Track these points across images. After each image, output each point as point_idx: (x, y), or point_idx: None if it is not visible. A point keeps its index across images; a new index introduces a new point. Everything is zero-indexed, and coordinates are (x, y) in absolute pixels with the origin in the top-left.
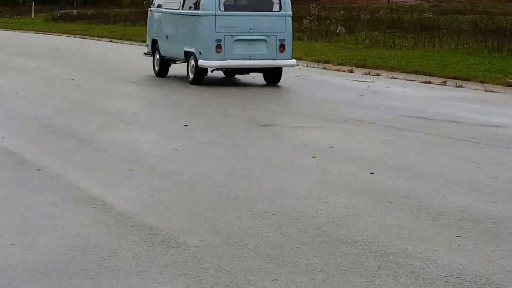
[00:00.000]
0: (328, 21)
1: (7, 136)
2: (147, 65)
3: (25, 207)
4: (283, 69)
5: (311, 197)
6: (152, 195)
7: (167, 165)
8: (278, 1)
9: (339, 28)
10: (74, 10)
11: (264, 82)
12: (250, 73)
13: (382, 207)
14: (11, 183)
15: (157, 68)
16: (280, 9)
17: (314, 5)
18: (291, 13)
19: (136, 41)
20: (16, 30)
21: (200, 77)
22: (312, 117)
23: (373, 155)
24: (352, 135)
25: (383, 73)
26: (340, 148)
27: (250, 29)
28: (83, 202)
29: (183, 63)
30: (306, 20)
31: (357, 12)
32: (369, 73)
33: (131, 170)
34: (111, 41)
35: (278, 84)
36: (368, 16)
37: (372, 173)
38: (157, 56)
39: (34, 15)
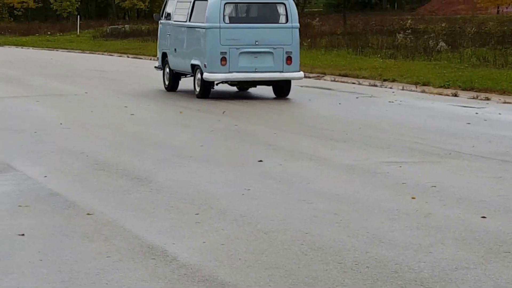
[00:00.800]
0: (426, 36)
1: (50, 174)
2: (218, 91)
3: (72, 259)
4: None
5: (412, 246)
6: (222, 244)
7: (239, 209)
8: (285, 13)
9: (440, 43)
10: (126, 26)
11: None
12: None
13: (496, 259)
14: (56, 231)
15: (167, 82)
16: (287, 21)
17: (409, 16)
18: (298, 24)
19: None
20: (59, 50)
21: (206, 91)
22: (410, 150)
23: (484, 195)
24: (459, 171)
25: (494, 97)
26: (444, 188)
27: (256, 41)
28: (141, 252)
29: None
30: (400, 35)
31: (461, 24)
32: (477, 97)
33: (196, 214)
34: None
35: (367, 110)
36: (474, 29)
37: (484, 217)
38: (167, 70)
39: (79, 32)
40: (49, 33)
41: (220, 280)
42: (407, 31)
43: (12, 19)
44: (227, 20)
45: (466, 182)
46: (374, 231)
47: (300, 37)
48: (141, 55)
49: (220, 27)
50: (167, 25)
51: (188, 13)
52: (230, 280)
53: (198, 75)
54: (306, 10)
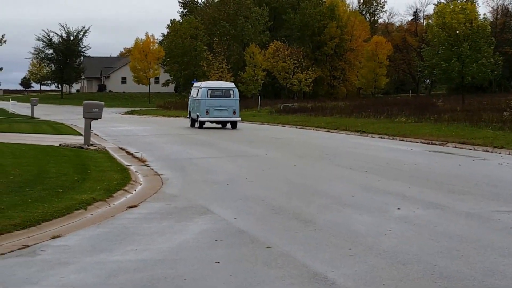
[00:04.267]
0: None
1: (239, 216)
2: (365, 153)
3: (256, 281)
4: None
5: None
6: (370, 273)
7: (383, 245)
8: (233, 93)
9: None
10: (295, 104)
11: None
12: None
13: None
14: (243, 259)
15: (190, 123)
16: (234, 96)
17: None
18: (238, 98)
19: (351, 130)
20: (244, 122)
21: (201, 125)
22: None
23: None
24: None
25: None
26: None
27: (220, 105)
28: (308, 278)
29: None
30: (506, 112)
31: None
32: None
33: (350, 249)
34: (328, 131)
35: (482, 170)
36: None
37: None
38: (189, 117)
39: (260, 108)
40: None
41: None
42: None
43: None
44: (209, 96)
45: None
46: (488, 265)
47: (424, 113)
48: (306, 126)
49: (206, 99)
50: (191, 99)
51: (196, 93)
52: None
53: (197, 119)
54: (432, 92)
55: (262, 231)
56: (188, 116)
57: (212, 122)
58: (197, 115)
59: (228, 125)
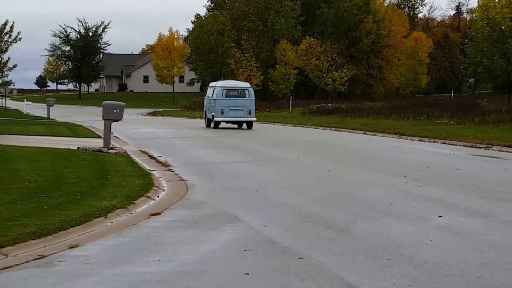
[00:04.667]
0: None
1: (269, 224)
2: (404, 157)
3: None
4: None
5: None
6: (409, 285)
7: (423, 256)
8: (248, 93)
9: None
10: (329, 104)
11: None
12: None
13: None
14: (274, 271)
15: (205, 123)
16: (249, 96)
17: None
18: (254, 98)
19: (389, 133)
20: (275, 123)
21: (216, 125)
22: None
23: None
24: None
25: None
26: None
27: (236, 105)
28: None
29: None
30: None
31: None
32: None
33: (388, 259)
34: (364, 133)
35: None
36: None
37: None
38: (205, 117)
39: (291, 109)
40: (267, 110)
41: None
42: None
43: None
44: (224, 95)
45: None
46: None
47: (467, 115)
48: (341, 128)
49: (221, 99)
50: (206, 99)
51: (212, 93)
52: None
53: (213, 119)
54: (476, 92)
55: (294, 241)
56: (204, 116)
57: (227, 122)
58: (213, 115)
59: (244, 125)
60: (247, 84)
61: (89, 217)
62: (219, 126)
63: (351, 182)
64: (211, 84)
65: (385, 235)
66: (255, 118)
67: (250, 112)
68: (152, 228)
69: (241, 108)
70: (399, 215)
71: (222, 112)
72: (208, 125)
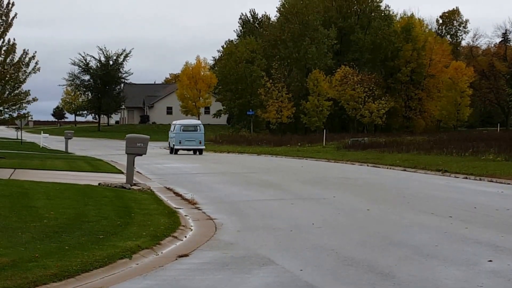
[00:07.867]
0: None
1: (306, 268)
2: (448, 196)
3: None
4: None
5: None
6: None
7: None
8: (199, 128)
9: None
10: (365, 138)
11: None
12: None
13: None
14: None
15: (169, 151)
16: (199, 131)
17: None
18: (203, 132)
19: (431, 169)
20: (308, 158)
21: (176, 152)
22: None
23: None
24: None
25: None
26: None
27: (190, 137)
28: None
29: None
30: None
31: None
32: None
33: None
34: (404, 170)
35: None
36: None
37: None
38: (169, 146)
39: (325, 143)
40: (299, 144)
41: None
42: None
43: (268, 131)
44: (182, 130)
45: None
46: None
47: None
48: (379, 164)
49: (180, 132)
50: (170, 133)
51: (173, 129)
52: None
53: (173, 147)
54: None
55: (333, 285)
56: (168, 146)
57: (184, 149)
58: (173, 145)
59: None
60: (198, 122)
61: (113, 258)
62: (178, 152)
63: (392, 223)
64: (173, 122)
65: (431, 280)
66: (204, 146)
67: (200, 142)
68: (180, 270)
69: (193, 139)
70: (445, 259)
71: (180, 142)
72: (171, 152)
